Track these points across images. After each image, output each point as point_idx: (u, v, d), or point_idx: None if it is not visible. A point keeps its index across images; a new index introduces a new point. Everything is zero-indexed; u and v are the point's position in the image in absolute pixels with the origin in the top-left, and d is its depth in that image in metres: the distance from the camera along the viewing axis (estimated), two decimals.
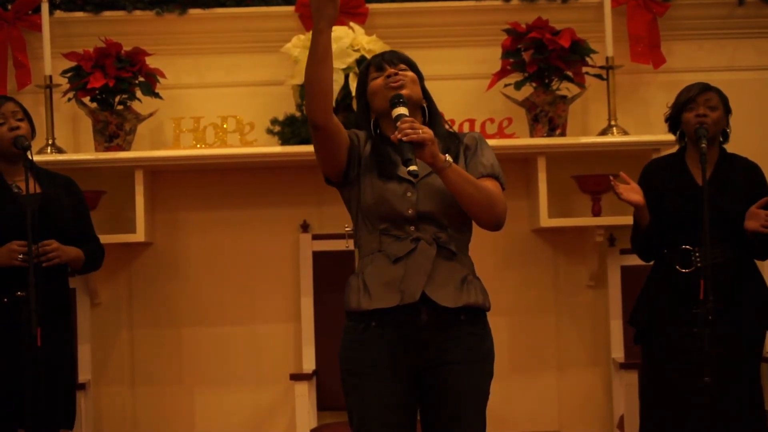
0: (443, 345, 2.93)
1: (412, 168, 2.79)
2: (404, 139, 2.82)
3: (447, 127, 3.12)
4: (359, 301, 2.94)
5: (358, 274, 2.98)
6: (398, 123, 2.86)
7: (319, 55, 2.81)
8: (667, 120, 4.05)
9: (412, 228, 2.94)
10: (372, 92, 3.04)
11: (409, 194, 2.94)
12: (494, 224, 2.98)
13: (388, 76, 3.00)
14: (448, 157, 2.87)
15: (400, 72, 3.01)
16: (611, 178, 3.87)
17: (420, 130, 2.83)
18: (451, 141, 3.04)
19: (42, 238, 3.80)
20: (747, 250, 3.90)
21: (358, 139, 3.02)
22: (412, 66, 3.07)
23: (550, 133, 4.66)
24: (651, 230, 3.89)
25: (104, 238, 4.23)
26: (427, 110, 3.06)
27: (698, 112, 3.89)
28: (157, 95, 4.65)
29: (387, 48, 4.54)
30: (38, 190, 3.84)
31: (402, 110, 2.91)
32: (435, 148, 2.85)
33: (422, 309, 2.90)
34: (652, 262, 4.04)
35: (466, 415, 2.93)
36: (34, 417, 3.55)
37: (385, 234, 2.94)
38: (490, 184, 2.97)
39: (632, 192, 3.87)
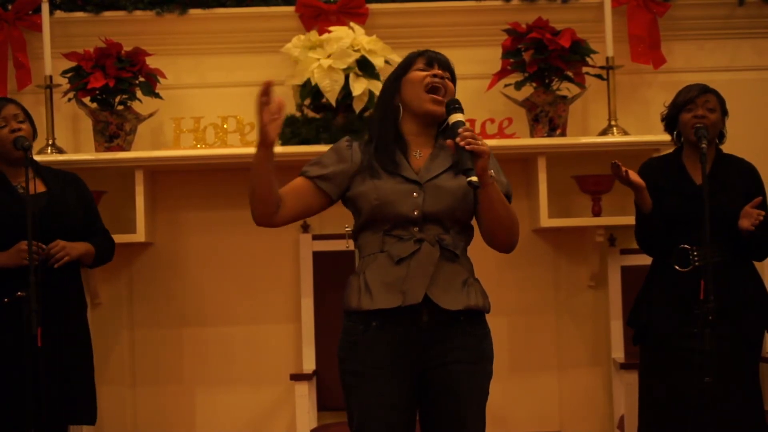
0: (444, 346, 2.93)
1: (474, 179, 2.78)
2: (467, 147, 2.80)
3: None
4: (360, 300, 2.93)
5: (358, 274, 2.98)
6: (459, 129, 2.84)
7: (258, 169, 2.94)
8: (663, 119, 4.05)
9: (416, 229, 2.93)
10: (411, 80, 3.02)
11: (415, 195, 2.94)
12: (510, 247, 3.01)
13: (434, 76, 2.99)
14: (492, 173, 2.86)
15: (446, 80, 3.01)
16: (614, 162, 3.83)
17: (480, 141, 2.82)
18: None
19: (50, 237, 3.82)
20: (743, 250, 3.90)
21: (341, 159, 3.01)
22: (453, 78, 3.07)
23: (551, 133, 4.66)
24: (655, 213, 3.87)
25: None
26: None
27: (697, 113, 3.89)
28: (157, 95, 4.65)
29: (387, 48, 4.58)
30: (43, 189, 3.86)
31: (460, 117, 2.91)
32: (488, 162, 2.83)
33: (423, 310, 2.90)
34: (651, 263, 4.05)
35: (467, 415, 2.93)
36: (36, 417, 3.56)
37: (388, 234, 2.94)
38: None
39: (635, 174, 3.85)
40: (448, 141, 2.86)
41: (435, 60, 3.04)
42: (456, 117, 2.91)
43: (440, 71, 3.01)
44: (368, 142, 3.06)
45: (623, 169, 3.80)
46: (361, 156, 3.01)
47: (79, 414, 3.95)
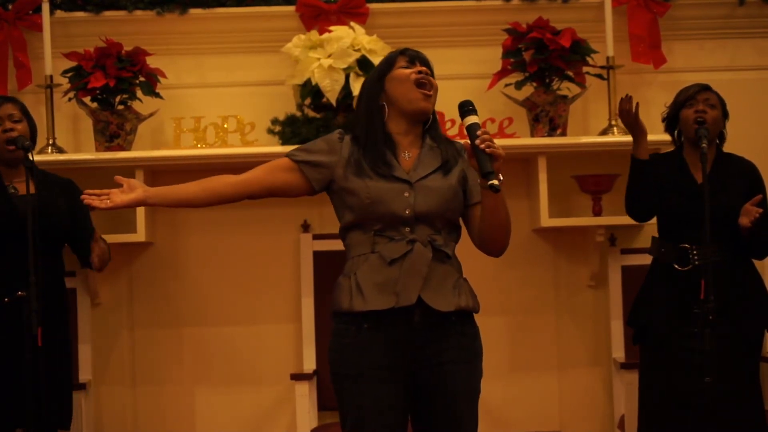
0: (439, 345, 2.92)
1: (494, 182, 2.78)
2: (487, 150, 2.80)
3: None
4: (351, 302, 2.92)
5: (348, 275, 2.96)
6: (477, 132, 2.83)
7: (182, 203, 3.02)
8: (664, 119, 4.06)
9: (407, 229, 2.92)
10: (397, 78, 3.00)
11: (406, 194, 2.93)
12: (503, 250, 3.00)
13: (420, 73, 2.99)
14: (501, 176, 2.85)
15: (429, 77, 3.01)
16: (627, 94, 3.82)
17: (496, 144, 2.82)
18: (450, 147, 3.03)
19: (37, 240, 3.80)
20: (743, 248, 3.90)
21: (330, 151, 2.99)
22: (432, 76, 3.06)
23: (551, 132, 4.66)
24: (649, 165, 3.87)
25: (105, 238, 4.23)
26: (431, 115, 3.05)
27: (698, 108, 3.90)
28: (157, 95, 4.66)
29: (388, 48, 4.57)
30: (32, 191, 3.85)
31: (475, 119, 2.89)
32: (502, 165, 2.84)
33: (415, 311, 2.89)
34: (651, 263, 4.04)
35: (462, 414, 2.93)
36: (35, 417, 3.56)
37: (379, 234, 2.93)
38: None
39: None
40: (465, 143, 2.85)
41: (416, 58, 3.04)
42: (471, 119, 2.89)
43: (423, 68, 3.01)
44: (354, 140, 3.03)
45: (635, 102, 3.79)
46: (349, 150, 2.99)
47: (56, 417, 3.91)
